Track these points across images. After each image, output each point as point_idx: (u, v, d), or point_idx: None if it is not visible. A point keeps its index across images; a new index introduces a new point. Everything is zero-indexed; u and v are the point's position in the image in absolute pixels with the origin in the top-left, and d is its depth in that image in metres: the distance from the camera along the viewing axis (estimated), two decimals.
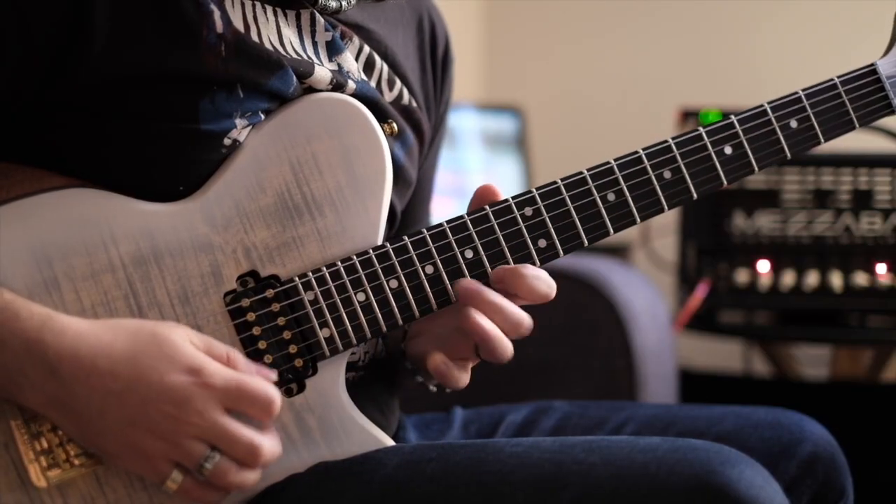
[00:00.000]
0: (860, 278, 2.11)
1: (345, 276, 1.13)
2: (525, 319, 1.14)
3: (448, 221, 1.15)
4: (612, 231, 1.17)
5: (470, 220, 1.15)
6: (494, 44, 3.33)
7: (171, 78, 1.09)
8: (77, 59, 1.07)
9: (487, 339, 1.12)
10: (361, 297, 1.13)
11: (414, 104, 1.28)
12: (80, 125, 1.09)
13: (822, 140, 1.22)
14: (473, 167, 2.80)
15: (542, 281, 1.14)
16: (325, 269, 1.13)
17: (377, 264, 1.14)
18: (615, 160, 1.18)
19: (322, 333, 1.12)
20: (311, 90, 1.17)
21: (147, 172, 1.11)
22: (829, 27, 2.96)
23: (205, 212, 1.12)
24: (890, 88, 1.23)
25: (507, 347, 1.13)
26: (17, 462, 1.06)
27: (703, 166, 1.19)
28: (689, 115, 2.20)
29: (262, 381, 1.04)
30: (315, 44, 1.19)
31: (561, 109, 3.21)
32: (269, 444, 1.05)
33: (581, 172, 1.17)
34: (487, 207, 1.16)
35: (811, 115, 1.21)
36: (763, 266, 2.14)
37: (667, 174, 1.18)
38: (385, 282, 1.14)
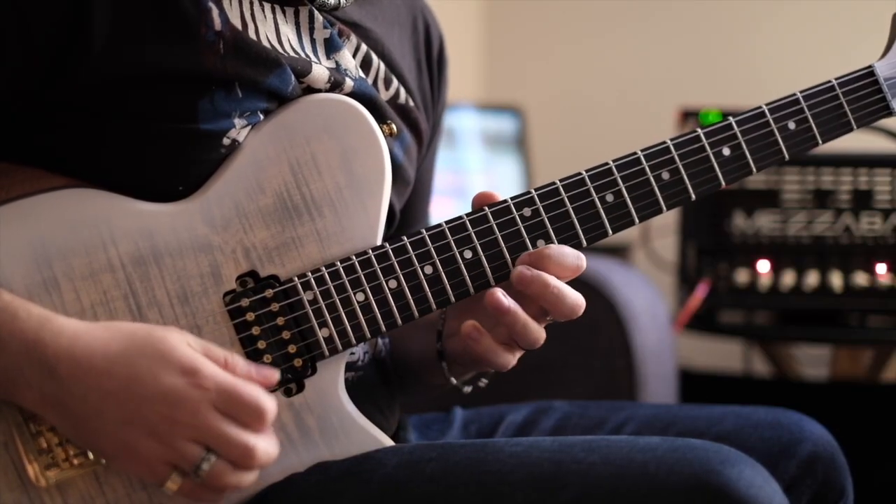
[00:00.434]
0: (860, 278, 2.11)
1: (344, 277, 1.13)
2: (581, 303, 1.14)
3: (447, 222, 1.15)
4: (610, 232, 1.18)
5: (469, 220, 1.15)
6: (494, 44, 3.33)
7: (171, 77, 1.09)
8: (77, 59, 1.07)
9: (506, 312, 1.12)
10: (360, 297, 1.13)
11: (411, 103, 1.28)
12: (79, 125, 1.09)
13: (820, 141, 1.22)
14: (473, 167, 2.80)
15: (568, 252, 1.14)
16: (324, 269, 1.13)
17: (376, 264, 1.14)
18: (614, 161, 1.18)
19: (321, 333, 1.12)
20: (310, 89, 1.17)
21: (146, 172, 1.11)
22: (828, 28, 2.96)
23: (204, 212, 1.12)
24: (887, 90, 1.23)
25: (532, 327, 1.14)
26: (16, 462, 1.06)
27: (701, 167, 1.19)
28: (688, 116, 2.20)
29: (255, 390, 1.03)
30: (313, 41, 1.19)
31: (561, 109, 3.21)
32: (263, 445, 1.04)
33: (580, 173, 1.18)
34: (486, 208, 1.16)
35: (809, 116, 1.22)
36: (763, 266, 2.14)
37: (665, 175, 1.19)
38: (384, 282, 1.14)
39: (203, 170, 1.13)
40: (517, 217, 1.16)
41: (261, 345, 1.12)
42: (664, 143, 1.19)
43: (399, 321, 1.14)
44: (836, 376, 2.46)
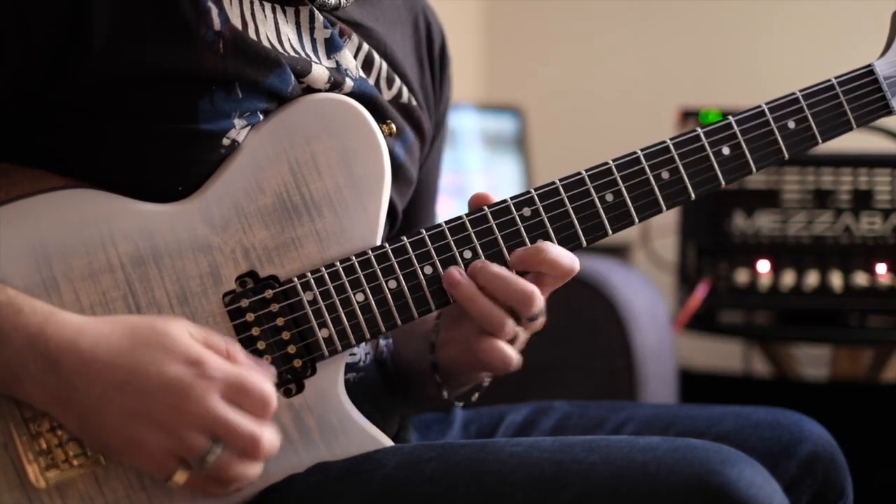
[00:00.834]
0: (860, 278, 2.11)
1: (343, 277, 1.13)
2: (534, 291, 1.14)
3: (447, 222, 1.15)
4: (610, 231, 1.18)
5: (469, 220, 1.15)
6: (494, 44, 3.33)
7: (171, 77, 1.09)
8: (76, 60, 1.07)
9: (476, 305, 1.13)
10: (360, 297, 1.13)
11: (413, 102, 1.28)
12: (79, 125, 1.09)
13: (820, 141, 1.22)
14: (473, 167, 2.81)
15: (562, 253, 1.14)
16: (323, 269, 1.13)
17: (376, 265, 1.14)
18: (613, 161, 1.18)
19: (321, 334, 1.12)
20: (310, 89, 1.17)
21: (146, 173, 1.11)
22: (828, 27, 2.96)
23: (204, 212, 1.12)
24: (887, 89, 1.23)
25: (496, 315, 1.14)
26: (16, 462, 1.06)
27: (700, 167, 1.19)
28: (689, 115, 2.20)
29: (260, 378, 1.04)
30: (314, 41, 1.19)
31: (561, 109, 3.21)
32: (269, 436, 1.04)
33: (579, 173, 1.18)
34: (486, 208, 1.16)
35: (809, 115, 1.22)
36: (763, 266, 2.14)
37: (665, 175, 1.19)
38: (384, 282, 1.14)
39: (203, 170, 1.13)
40: (517, 217, 1.16)
41: (260, 345, 1.11)
42: (664, 142, 1.19)
43: (399, 322, 1.14)
44: (836, 376, 2.46)
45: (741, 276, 2.14)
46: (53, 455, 1.06)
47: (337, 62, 1.20)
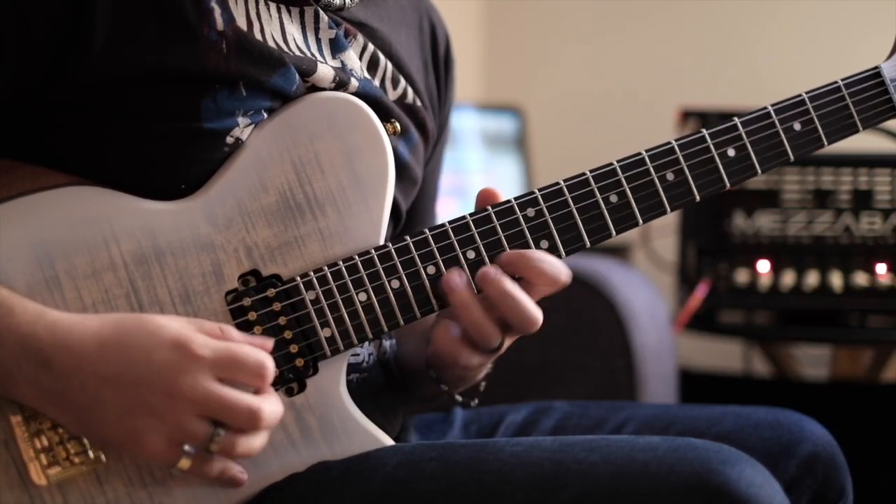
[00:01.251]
0: (860, 278, 2.11)
1: (346, 276, 1.13)
2: (539, 318, 1.13)
3: (450, 222, 1.15)
4: (614, 232, 1.17)
5: (472, 220, 1.15)
6: (494, 44, 3.33)
7: (173, 77, 1.09)
8: (77, 59, 1.07)
9: (471, 314, 1.12)
10: (363, 296, 1.13)
11: (418, 103, 1.28)
12: (81, 125, 1.09)
13: (826, 143, 1.22)
14: (473, 167, 2.81)
15: (549, 263, 1.13)
16: (326, 268, 1.13)
17: (379, 264, 1.14)
18: (618, 161, 1.18)
19: (323, 333, 1.12)
20: (314, 88, 1.17)
21: (149, 171, 1.11)
22: (830, 28, 2.97)
23: (207, 210, 1.12)
24: (894, 91, 1.23)
25: (490, 336, 1.13)
26: (17, 460, 1.06)
27: (705, 168, 1.19)
28: (689, 116, 2.21)
29: (251, 347, 1.04)
30: (319, 41, 1.19)
31: (561, 109, 3.21)
32: (269, 406, 1.04)
33: (584, 173, 1.17)
34: (490, 208, 1.16)
35: (815, 117, 1.21)
36: (763, 266, 2.14)
37: (670, 176, 1.18)
38: (387, 282, 1.14)
39: (206, 169, 1.13)
40: (521, 217, 1.16)
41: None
42: (669, 143, 1.19)
43: (401, 321, 1.14)
44: (836, 376, 2.46)
45: (741, 276, 2.15)
46: (54, 452, 1.06)
47: (342, 62, 1.20)
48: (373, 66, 1.23)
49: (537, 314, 1.13)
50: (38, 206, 1.09)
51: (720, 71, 3.05)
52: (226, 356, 1.02)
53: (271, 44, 1.14)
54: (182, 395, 1.01)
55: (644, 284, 2.27)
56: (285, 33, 1.16)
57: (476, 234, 1.15)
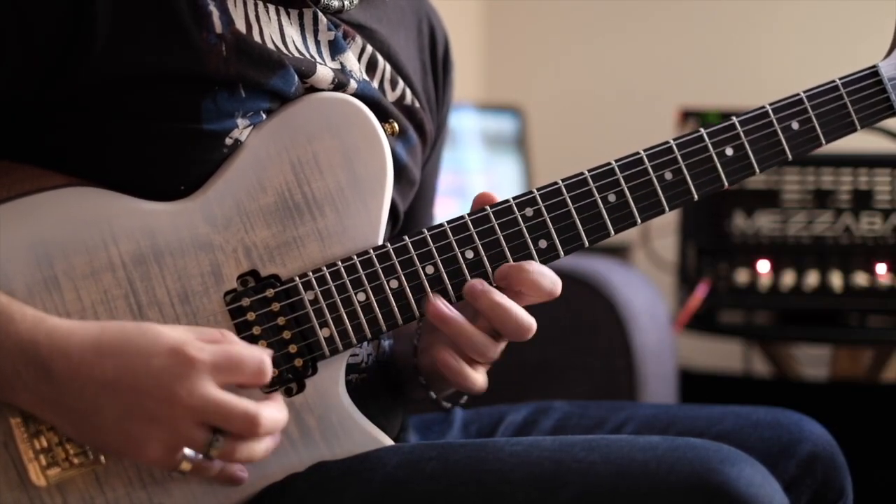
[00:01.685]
0: (860, 278, 2.11)
1: (345, 276, 1.13)
2: (533, 324, 1.14)
3: (449, 221, 1.15)
4: (612, 232, 1.17)
5: (471, 220, 1.15)
6: (494, 44, 3.33)
7: (173, 78, 1.09)
8: (77, 60, 1.07)
9: (445, 321, 1.12)
10: (362, 296, 1.13)
11: (417, 104, 1.28)
12: (80, 125, 1.09)
13: (824, 142, 1.22)
14: (473, 167, 2.81)
15: (546, 277, 1.14)
16: (325, 268, 1.13)
17: (377, 264, 1.14)
18: (616, 161, 1.18)
19: (322, 333, 1.12)
20: (313, 90, 1.17)
21: (148, 172, 1.11)
22: (829, 28, 2.97)
23: (205, 211, 1.12)
24: (892, 90, 1.23)
25: (483, 346, 1.14)
26: (16, 460, 1.06)
27: (704, 167, 1.19)
28: (688, 116, 2.21)
29: (247, 346, 1.04)
30: (318, 43, 1.19)
31: (561, 109, 3.21)
32: (268, 411, 1.04)
33: (582, 173, 1.17)
34: (488, 208, 1.16)
35: (812, 116, 1.21)
36: (763, 266, 2.14)
37: (668, 175, 1.18)
38: (385, 282, 1.14)
39: (205, 169, 1.13)
40: (519, 217, 1.16)
41: (261, 344, 1.11)
42: (667, 143, 1.19)
43: (400, 321, 1.14)
44: (836, 376, 2.46)
45: (741, 276, 2.15)
46: (54, 453, 1.06)
47: (342, 63, 1.20)
48: (371, 67, 1.23)
49: (530, 321, 1.14)
50: (38, 206, 1.09)
51: (720, 71, 3.05)
52: (223, 357, 1.02)
53: (270, 46, 1.14)
54: (180, 402, 1.01)
55: (644, 284, 2.27)
56: (284, 35, 1.16)
57: (475, 234, 1.15)
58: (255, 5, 1.15)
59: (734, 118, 1.20)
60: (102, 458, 1.07)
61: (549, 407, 1.41)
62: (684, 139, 1.19)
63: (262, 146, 1.14)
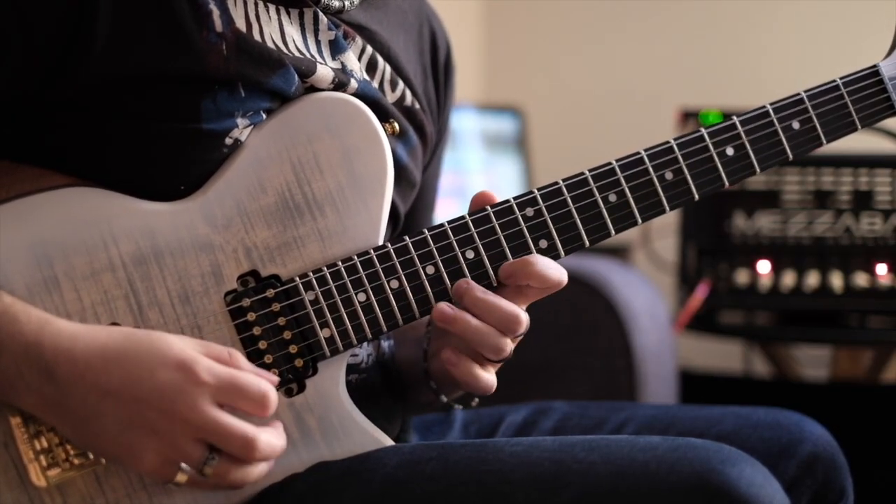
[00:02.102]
0: (860, 279, 2.11)
1: (345, 276, 1.13)
2: (519, 314, 1.13)
3: (449, 221, 1.15)
4: (613, 232, 1.17)
5: (471, 220, 1.15)
6: (494, 44, 3.33)
7: (173, 78, 1.09)
8: (77, 60, 1.07)
9: (451, 321, 1.12)
10: (362, 297, 1.13)
11: (417, 105, 1.28)
12: (80, 125, 1.09)
13: (825, 141, 1.22)
14: (473, 167, 2.81)
15: (551, 267, 1.14)
16: (325, 268, 1.13)
17: (378, 264, 1.13)
18: (617, 161, 1.18)
19: (322, 333, 1.12)
20: (313, 89, 1.17)
21: (148, 172, 1.11)
22: (829, 27, 2.97)
23: (205, 211, 1.12)
24: (892, 90, 1.23)
25: (493, 341, 1.13)
26: (16, 461, 1.06)
27: (704, 167, 1.19)
28: (689, 116, 2.21)
29: (255, 377, 1.04)
30: (318, 42, 1.19)
31: (561, 109, 3.21)
32: (266, 437, 1.04)
33: (583, 173, 1.17)
34: (489, 207, 1.16)
35: (813, 116, 1.21)
36: (763, 266, 2.14)
37: (668, 175, 1.18)
38: (386, 282, 1.14)
39: (205, 169, 1.12)
40: (520, 217, 1.16)
41: (262, 345, 1.11)
42: (668, 142, 1.19)
43: (401, 321, 1.14)
44: (836, 377, 2.46)
45: (741, 277, 2.15)
46: (54, 454, 1.06)
47: (342, 63, 1.20)
48: (371, 68, 1.23)
49: (516, 310, 1.13)
50: (37, 207, 1.08)
51: (720, 71, 3.05)
52: (228, 383, 1.02)
53: (270, 45, 1.14)
54: (180, 416, 1.01)
55: (644, 285, 2.27)
56: (284, 35, 1.16)
57: (475, 234, 1.15)
58: (256, 4, 1.15)
59: (735, 118, 1.20)
60: (103, 458, 1.07)
61: (549, 407, 1.41)
62: (685, 139, 1.19)
63: (262, 146, 1.13)
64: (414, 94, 1.28)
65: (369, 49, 1.23)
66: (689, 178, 1.18)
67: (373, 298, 1.13)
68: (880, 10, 1.39)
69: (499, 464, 1.08)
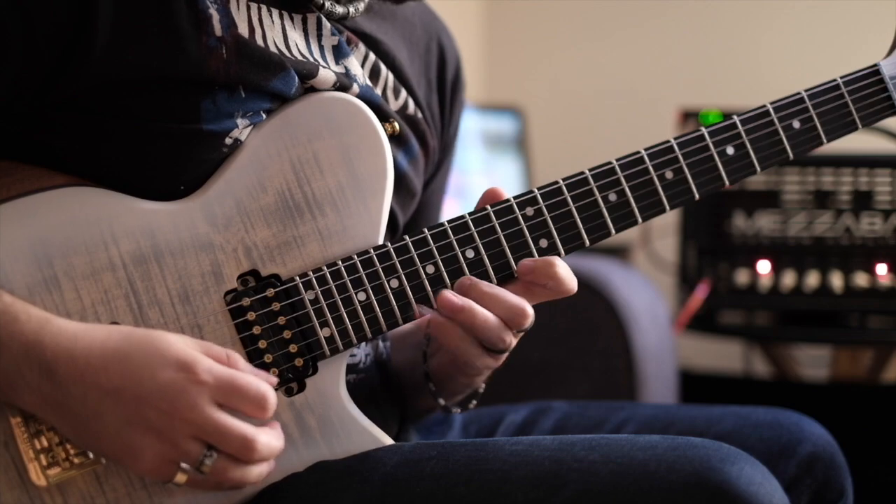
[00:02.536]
0: (860, 279, 2.11)
1: (345, 276, 1.13)
2: (525, 307, 1.13)
3: (449, 221, 1.15)
4: (613, 231, 1.17)
5: (471, 219, 1.15)
6: (494, 44, 3.33)
7: (172, 80, 1.09)
8: (78, 61, 1.07)
9: (459, 310, 1.12)
10: (362, 296, 1.13)
11: (419, 115, 1.28)
12: (81, 125, 1.09)
13: (825, 141, 1.22)
14: (473, 167, 2.80)
15: (571, 275, 1.14)
16: (325, 268, 1.13)
17: (378, 264, 1.14)
18: (617, 160, 1.18)
19: (322, 333, 1.12)
20: (314, 91, 1.17)
21: (148, 172, 1.11)
22: (830, 27, 2.97)
23: (206, 211, 1.12)
24: (893, 89, 1.23)
25: (497, 333, 1.13)
26: (16, 460, 1.06)
27: (705, 166, 1.19)
28: (689, 116, 2.21)
29: (254, 378, 1.04)
30: (322, 47, 1.19)
31: (561, 109, 3.21)
32: (265, 438, 1.04)
33: (583, 172, 1.17)
34: (489, 207, 1.16)
35: (814, 115, 1.21)
36: (763, 266, 2.14)
37: (669, 174, 1.18)
38: (386, 281, 1.14)
39: (205, 169, 1.13)
40: (520, 216, 1.16)
41: (262, 344, 1.11)
42: (668, 142, 1.19)
43: (400, 321, 1.14)
44: (836, 377, 2.46)
45: (741, 277, 2.15)
46: (54, 453, 1.06)
47: (346, 68, 1.20)
48: (374, 75, 1.23)
49: (523, 303, 1.13)
50: (38, 206, 1.08)
51: (720, 71, 3.05)
52: (227, 384, 1.02)
53: (273, 49, 1.14)
54: (180, 416, 1.01)
55: (644, 285, 2.27)
56: (287, 39, 1.16)
57: (475, 234, 1.15)
58: (259, 9, 1.15)
59: (735, 117, 1.20)
60: (103, 458, 1.07)
61: (548, 407, 1.41)
62: (685, 138, 1.19)
63: (262, 145, 1.13)
64: (417, 104, 1.28)
65: (372, 56, 1.23)
66: (689, 177, 1.18)
67: (373, 298, 1.13)
68: (880, 9, 1.39)
69: (499, 463, 1.08)
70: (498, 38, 3.33)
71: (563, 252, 1.17)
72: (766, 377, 2.67)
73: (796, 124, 1.21)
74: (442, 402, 1.27)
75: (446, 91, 1.36)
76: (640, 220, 1.18)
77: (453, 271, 1.15)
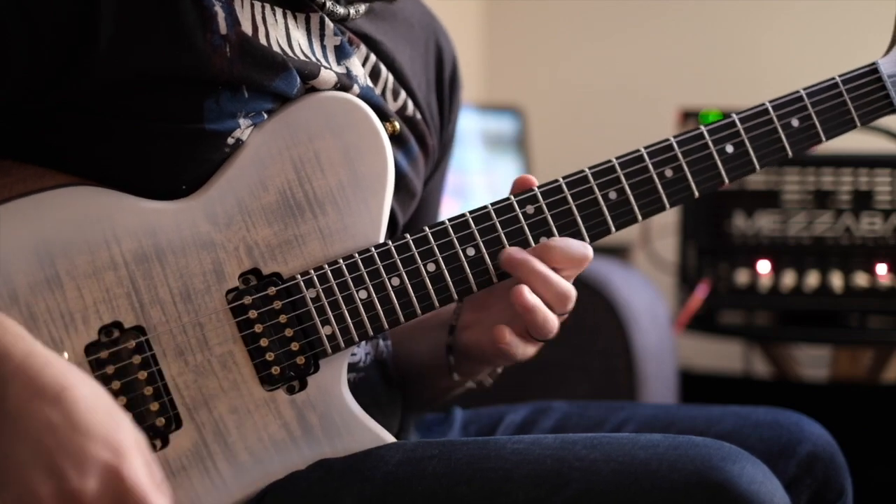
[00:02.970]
0: (860, 279, 2.11)
1: (347, 274, 1.13)
2: (571, 290, 1.15)
3: (450, 219, 1.16)
4: (613, 229, 1.18)
5: (472, 217, 1.16)
6: (494, 44, 3.33)
7: (176, 79, 1.09)
8: (81, 61, 1.07)
9: (530, 310, 1.13)
10: (363, 294, 1.13)
11: (419, 116, 1.29)
12: (83, 125, 1.09)
13: (824, 139, 1.22)
14: (473, 167, 2.80)
15: (572, 246, 1.15)
16: (326, 266, 1.13)
17: (379, 262, 1.14)
18: (617, 158, 1.18)
19: (324, 331, 1.12)
20: (315, 91, 1.17)
21: (150, 171, 1.11)
22: (829, 27, 2.97)
23: (207, 209, 1.12)
24: (891, 87, 1.24)
25: (551, 320, 1.15)
26: None
27: (704, 165, 1.19)
28: (689, 116, 2.21)
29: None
30: (324, 47, 1.20)
31: (561, 109, 3.21)
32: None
33: (583, 170, 1.18)
34: (489, 205, 1.16)
35: (812, 113, 1.22)
36: (763, 266, 2.14)
37: (668, 172, 1.19)
38: (387, 279, 1.14)
39: (207, 169, 1.13)
40: (520, 214, 1.16)
41: (263, 342, 1.12)
42: (667, 140, 1.19)
43: (402, 319, 1.14)
44: (836, 377, 2.46)
45: (741, 277, 2.15)
46: None
47: (347, 68, 1.20)
48: (374, 76, 1.24)
49: (571, 288, 1.16)
50: (40, 205, 1.09)
51: (720, 71, 3.05)
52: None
53: (276, 48, 1.14)
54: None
55: (644, 285, 2.27)
56: (290, 39, 1.16)
57: (476, 232, 1.16)
58: (263, 8, 1.15)
59: (734, 115, 1.20)
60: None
61: (548, 407, 1.41)
62: (685, 136, 1.19)
63: (263, 145, 1.14)
64: (416, 104, 1.29)
65: (373, 58, 1.24)
66: (688, 175, 1.19)
67: (374, 296, 1.13)
68: (879, 9, 1.39)
69: (500, 461, 1.08)
70: (498, 38, 3.33)
71: None
72: (766, 377, 2.67)
73: (795, 122, 1.22)
74: (456, 376, 1.27)
75: (444, 90, 1.36)
76: (639, 217, 1.18)
77: (454, 269, 1.15)
